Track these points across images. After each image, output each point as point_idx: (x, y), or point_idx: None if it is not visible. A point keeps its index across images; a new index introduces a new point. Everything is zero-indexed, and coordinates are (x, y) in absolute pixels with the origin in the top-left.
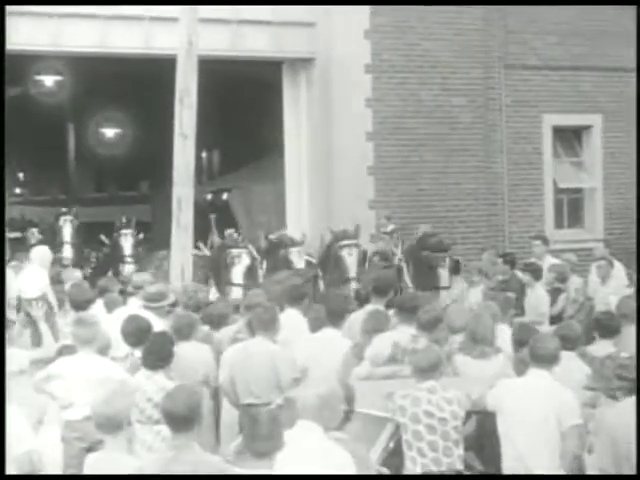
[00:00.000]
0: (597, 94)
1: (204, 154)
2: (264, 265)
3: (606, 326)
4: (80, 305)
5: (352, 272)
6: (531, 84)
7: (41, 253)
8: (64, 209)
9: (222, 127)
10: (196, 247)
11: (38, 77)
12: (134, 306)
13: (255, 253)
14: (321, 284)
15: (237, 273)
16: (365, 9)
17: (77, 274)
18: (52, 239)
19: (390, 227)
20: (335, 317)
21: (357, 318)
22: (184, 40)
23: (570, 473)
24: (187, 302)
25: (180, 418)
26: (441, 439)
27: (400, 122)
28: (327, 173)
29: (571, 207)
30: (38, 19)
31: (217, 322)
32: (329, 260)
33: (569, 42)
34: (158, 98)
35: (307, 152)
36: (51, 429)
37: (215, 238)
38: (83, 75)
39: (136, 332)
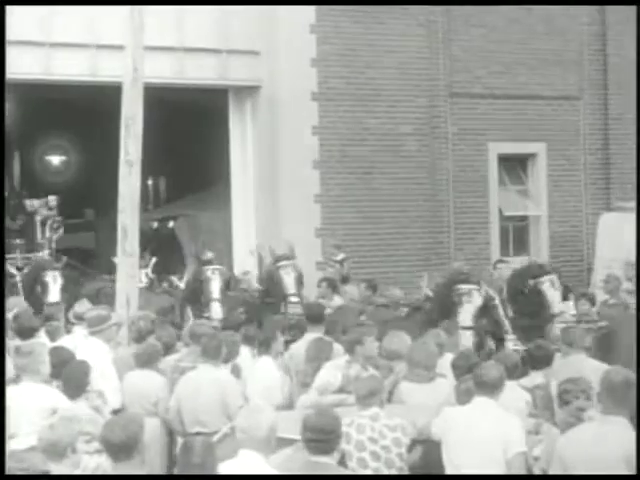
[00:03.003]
0: (541, 123)
1: (150, 181)
2: None
3: (535, 357)
4: (25, 333)
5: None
6: (476, 112)
7: None
8: (209, 255)
9: (168, 154)
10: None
11: None
12: (79, 335)
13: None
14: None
15: (466, 313)
16: (312, 37)
17: (23, 303)
18: None
19: (340, 255)
20: (265, 345)
21: (299, 347)
22: (129, 67)
23: None
24: (129, 327)
25: (118, 447)
26: (385, 467)
27: (346, 150)
28: (274, 201)
29: (516, 235)
30: None
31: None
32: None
33: (513, 71)
34: (104, 125)
35: (253, 180)
36: None
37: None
38: (28, 102)
39: (58, 364)
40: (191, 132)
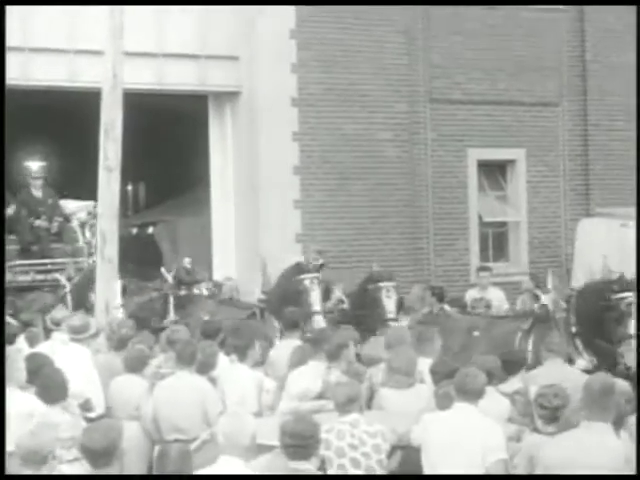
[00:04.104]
0: (520, 129)
1: (130, 187)
2: None
3: (508, 362)
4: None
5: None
6: (456, 119)
7: None
8: (305, 262)
9: (148, 160)
10: None
11: None
12: (57, 340)
13: None
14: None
15: None
16: (292, 43)
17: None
18: None
19: (320, 261)
20: (240, 352)
21: (278, 353)
22: (109, 73)
23: None
24: (110, 336)
25: (98, 453)
26: (365, 473)
27: (326, 156)
28: (254, 206)
29: (496, 240)
30: None
31: None
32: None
33: (493, 77)
34: (83, 131)
35: (233, 185)
36: None
37: None
38: (7, 108)
39: (33, 369)
40: (171, 137)
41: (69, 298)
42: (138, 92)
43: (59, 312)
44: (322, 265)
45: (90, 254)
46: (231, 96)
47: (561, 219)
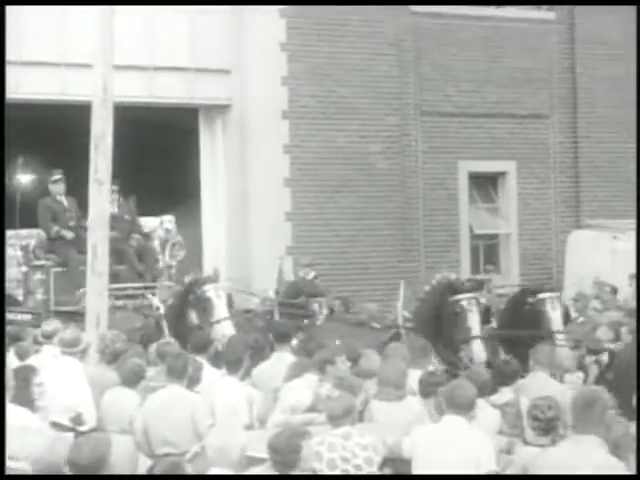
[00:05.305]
0: (511, 141)
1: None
2: None
3: (504, 373)
4: None
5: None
6: (446, 131)
7: None
8: (468, 282)
9: (139, 173)
10: None
11: None
12: (47, 354)
13: None
14: None
15: None
16: (282, 55)
17: None
18: None
19: (312, 274)
20: (231, 365)
21: (267, 366)
22: (99, 86)
23: None
24: (103, 350)
25: (85, 468)
26: None
27: (317, 168)
28: (244, 219)
29: (487, 253)
30: None
31: None
32: None
33: (483, 90)
34: (74, 144)
35: (224, 198)
36: None
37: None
38: None
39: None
40: (161, 150)
41: (164, 321)
42: (129, 105)
43: (50, 325)
44: (315, 277)
45: (169, 277)
46: (222, 109)
47: (552, 231)
